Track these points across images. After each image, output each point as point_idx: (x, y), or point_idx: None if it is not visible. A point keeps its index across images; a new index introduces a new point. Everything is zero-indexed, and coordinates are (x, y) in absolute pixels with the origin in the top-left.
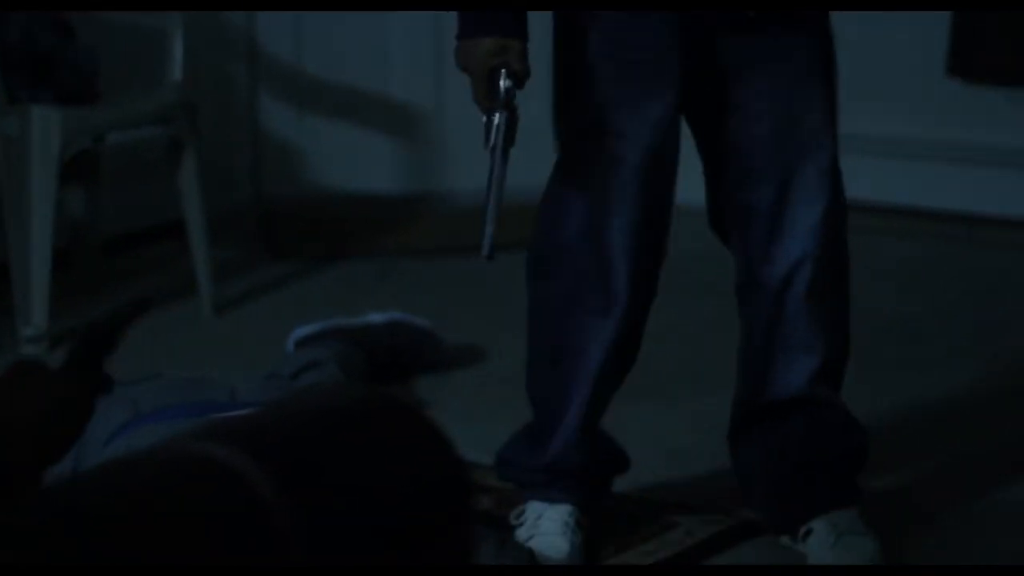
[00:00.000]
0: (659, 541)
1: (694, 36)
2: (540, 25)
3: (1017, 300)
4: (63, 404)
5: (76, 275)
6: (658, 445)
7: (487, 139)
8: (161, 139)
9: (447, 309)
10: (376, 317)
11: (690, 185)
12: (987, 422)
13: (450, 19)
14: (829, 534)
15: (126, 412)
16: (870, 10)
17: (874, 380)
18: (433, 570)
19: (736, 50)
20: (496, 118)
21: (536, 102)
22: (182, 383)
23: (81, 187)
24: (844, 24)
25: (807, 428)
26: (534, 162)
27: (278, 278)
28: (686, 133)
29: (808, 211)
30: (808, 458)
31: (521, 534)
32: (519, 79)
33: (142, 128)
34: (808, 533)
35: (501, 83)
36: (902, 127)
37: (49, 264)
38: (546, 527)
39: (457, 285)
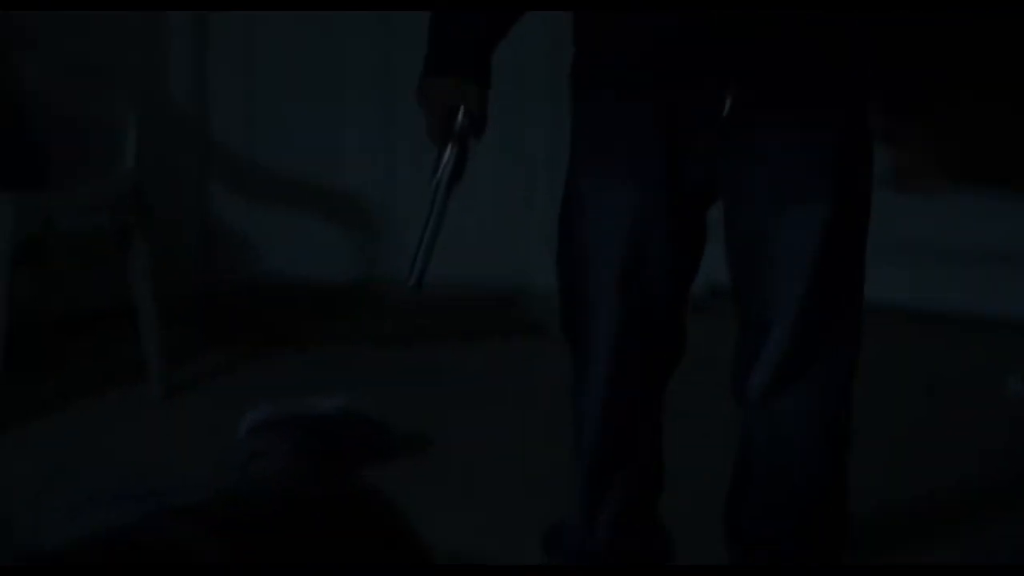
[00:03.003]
0: None
1: None
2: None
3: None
4: None
5: (23, 357)
6: None
7: (433, 172)
8: (112, 225)
9: (395, 398)
10: (327, 404)
11: None
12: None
13: (402, 110)
14: None
15: (79, 500)
16: None
17: None
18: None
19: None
20: (446, 153)
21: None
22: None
23: (28, 270)
24: None
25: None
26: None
27: (227, 364)
28: None
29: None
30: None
31: None
32: (476, 124)
33: (92, 213)
34: None
35: (458, 119)
36: None
37: (2, 348)
38: None
39: (406, 373)
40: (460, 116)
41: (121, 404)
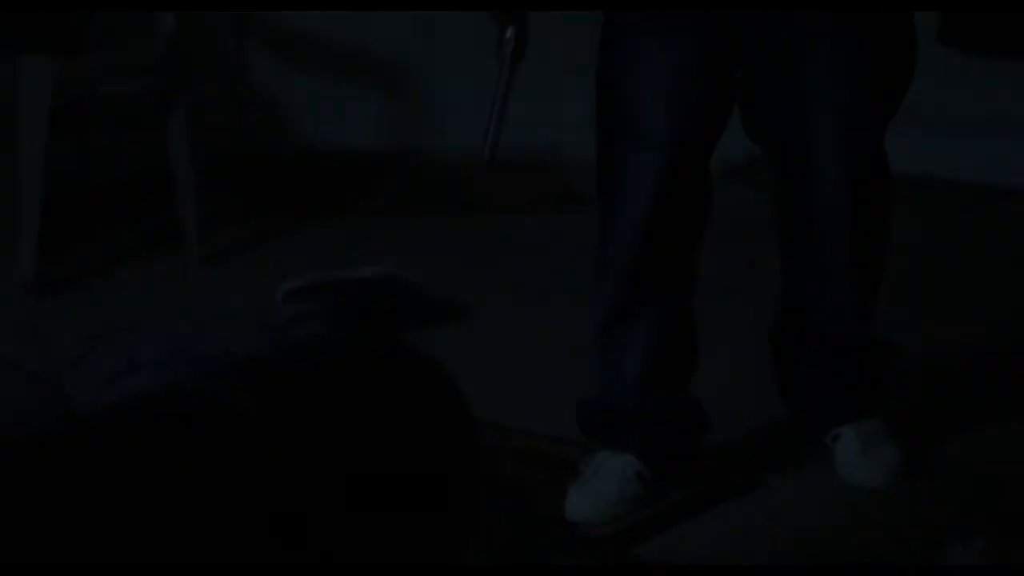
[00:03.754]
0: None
1: None
2: None
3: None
4: None
5: (63, 224)
6: None
7: (498, 52)
8: (152, 89)
9: (434, 267)
10: (366, 271)
11: None
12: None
13: None
14: (855, 440)
15: (122, 362)
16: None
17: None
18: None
19: None
20: (508, 32)
21: None
22: (177, 336)
23: (69, 136)
24: None
25: (842, 355)
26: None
27: (264, 232)
28: None
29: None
30: (841, 376)
31: (573, 487)
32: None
33: (132, 79)
34: (836, 438)
35: None
36: None
37: (39, 213)
38: (601, 476)
39: (443, 243)
40: None
41: (158, 271)
